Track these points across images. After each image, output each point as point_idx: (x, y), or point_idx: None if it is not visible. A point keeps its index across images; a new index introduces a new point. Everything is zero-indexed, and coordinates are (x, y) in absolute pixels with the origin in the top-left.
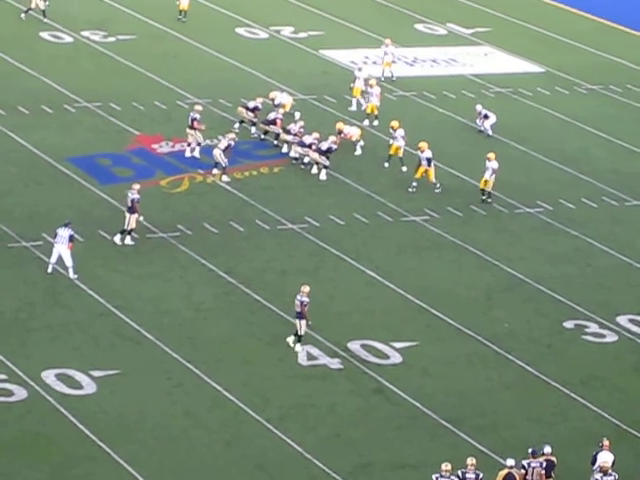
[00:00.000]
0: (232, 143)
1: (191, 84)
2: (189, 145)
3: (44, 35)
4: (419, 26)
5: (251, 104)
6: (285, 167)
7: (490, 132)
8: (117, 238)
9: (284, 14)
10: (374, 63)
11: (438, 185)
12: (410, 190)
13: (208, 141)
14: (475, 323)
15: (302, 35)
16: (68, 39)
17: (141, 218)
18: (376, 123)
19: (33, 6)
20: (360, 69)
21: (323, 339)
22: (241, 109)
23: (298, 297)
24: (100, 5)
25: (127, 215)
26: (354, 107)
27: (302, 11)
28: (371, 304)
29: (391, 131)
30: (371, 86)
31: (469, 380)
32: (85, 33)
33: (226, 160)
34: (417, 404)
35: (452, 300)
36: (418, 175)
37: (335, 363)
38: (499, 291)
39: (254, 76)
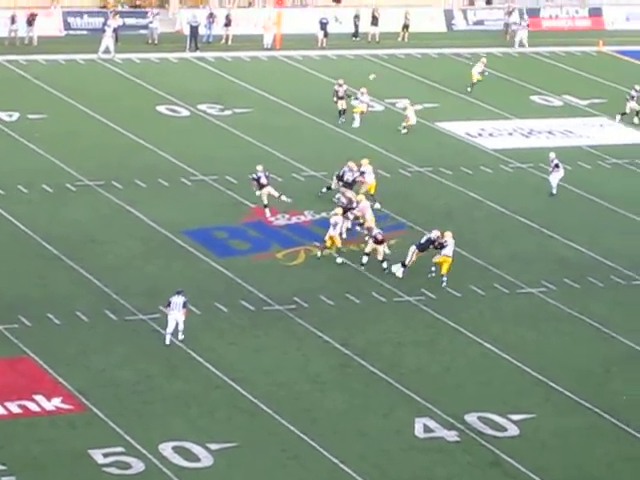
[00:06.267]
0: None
1: (306, 157)
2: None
3: (161, 109)
4: (535, 98)
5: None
6: (402, 239)
7: (554, 188)
8: None
9: (400, 86)
10: (490, 135)
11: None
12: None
13: (324, 214)
14: (593, 396)
15: (417, 107)
16: (185, 112)
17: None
18: (378, 206)
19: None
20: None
21: (440, 411)
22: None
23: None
24: (216, 78)
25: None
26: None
27: (418, 84)
28: (488, 376)
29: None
30: (361, 165)
31: (587, 453)
32: (201, 106)
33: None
34: (535, 477)
35: (569, 372)
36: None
37: (452, 436)
38: (617, 363)
39: (368, 147)
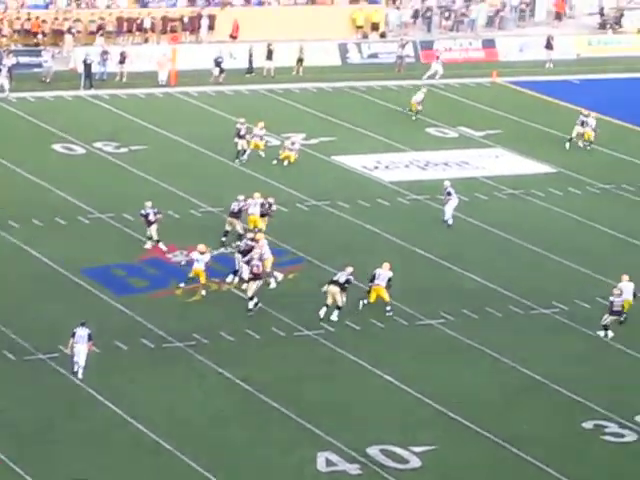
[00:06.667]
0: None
1: (203, 193)
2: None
3: (57, 147)
4: (430, 130)
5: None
6: (299, 273)
7: (450, 218)
8: None
9: (296, 121)
10: (387, 167)
11: (389, 309)
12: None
13: (222, 249)
14: (494, 426)
15: (313, 141)
16: (80, 150)
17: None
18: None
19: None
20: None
21: (342, 445)
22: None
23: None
24: (111, 116)
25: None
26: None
27: (314, 118)
28: (388, 408)
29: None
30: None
31: None
32: (97, 144)
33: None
34: None
35: (470, 403)
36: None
37: (354, 469)
38: (517, 393)
39: (265, 182)
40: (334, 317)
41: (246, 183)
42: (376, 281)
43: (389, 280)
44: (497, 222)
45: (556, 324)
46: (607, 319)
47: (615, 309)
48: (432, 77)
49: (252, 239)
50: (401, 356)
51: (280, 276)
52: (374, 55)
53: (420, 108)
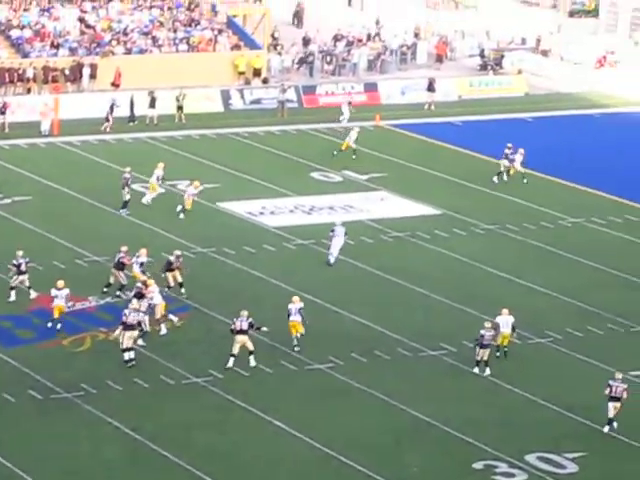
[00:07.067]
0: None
1: (88, 242)
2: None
3: None
4: (315, 174)
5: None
6: (187, 321)
7: (334, 257)
8: None
9: (180, 169)
10: (272, 213)
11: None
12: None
13: (109, 299)
14: (384, 468)
15: (199, 188)
16: None
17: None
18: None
19: None
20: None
21: None
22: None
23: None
24: None
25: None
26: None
27: (198, 165)
28: (279, 454)
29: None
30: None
31: None
32: None
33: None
34: None
35: (360, 446)
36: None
37: None
38: (407, 434)
39: (153, 231)
40: (252, 363)
41: (133, 232)
42: (292, 317)
43: (300, 309)
44: (384, 265)
45: (444, 366)
46: (478, 353)
47: (485, 342)
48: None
49: (143, 283)
50: (291, 401)
51: (176, 319)
52: (257, 101)
53: (354, 147)
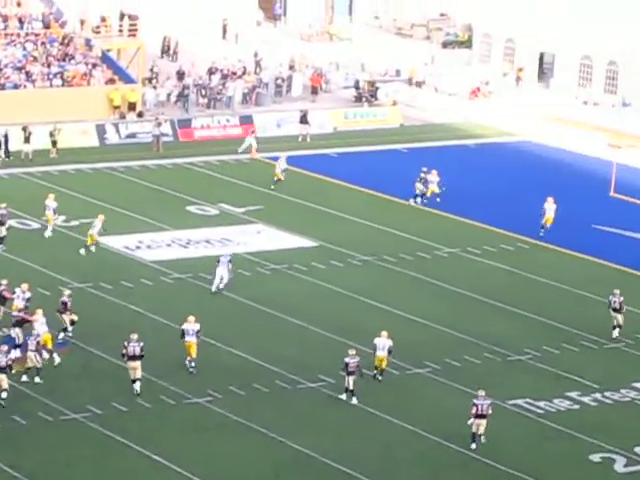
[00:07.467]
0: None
1: None
2: None
3: None
4: (191, 207)
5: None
6: (65, 356)
7: (214, 287)
8: None
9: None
10: (149, 247)
11: (193, 365)
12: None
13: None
14: None
15: (74, 223)
16: None
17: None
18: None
19: None
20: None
21: None
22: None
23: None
24: None
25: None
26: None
27: (74, 199)
28: None
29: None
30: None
31: None
32: None
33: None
34: None
35: (240, 479)
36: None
37: None
38: (286, 467)
39: (29, 267)
40: (137, 389)
41: (10, 267)
42: (187, 337)
43: (198, 332)
44: (261, 297)
45: (323, 397)
46: (346, 380)
47: (350, 370)
48: (246, 151)
49: (24, 308)
50: (170, 436)
51: (57, 359)
52: (132, 135)
53: (280, 177)
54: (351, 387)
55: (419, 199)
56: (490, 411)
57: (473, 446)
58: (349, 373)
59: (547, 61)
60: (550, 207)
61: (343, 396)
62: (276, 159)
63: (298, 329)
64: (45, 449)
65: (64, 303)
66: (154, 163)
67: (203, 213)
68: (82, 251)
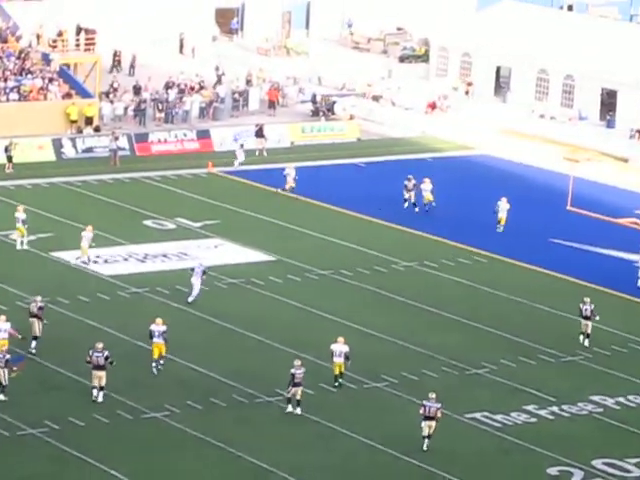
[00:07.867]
0: None
1: None
2: None
3: None
4: (148, 222)
5: None
6: (21, 371)
7: (192, 297)
8: None
9: (12, 217)
10: (105, 262)
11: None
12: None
13: None
14: None
15: (31, 238)
16: None
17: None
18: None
19: None
20: None
21: None
22: None
23: None
24: None
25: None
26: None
27: (30, 214)
28: None
29: None
30: None
31: None
32: None
33: None
34: None
35: None
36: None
37: None
38: None
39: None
40: (100, 398)
41: None
42: (155, 339)
43: (164, 332)
44: (218, 312)
45: (280, 411)
46: (290, 391)
47: (296, 381)
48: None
49: None
50: (127, 451)
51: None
52: (89, 149)
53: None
54: (298, 397)
55: (406, 204)
56: (439, 414)
57: (425, 447)
58: (295, 385)
59: (504, 75)
60: (503, 207)
61: (289, 408)
62: (234, 173)
63: (255, 343)
64: (1, 465)
65: (41, 308)
66: (111, 177)
67: (160, 227)
68: (81, 262)
